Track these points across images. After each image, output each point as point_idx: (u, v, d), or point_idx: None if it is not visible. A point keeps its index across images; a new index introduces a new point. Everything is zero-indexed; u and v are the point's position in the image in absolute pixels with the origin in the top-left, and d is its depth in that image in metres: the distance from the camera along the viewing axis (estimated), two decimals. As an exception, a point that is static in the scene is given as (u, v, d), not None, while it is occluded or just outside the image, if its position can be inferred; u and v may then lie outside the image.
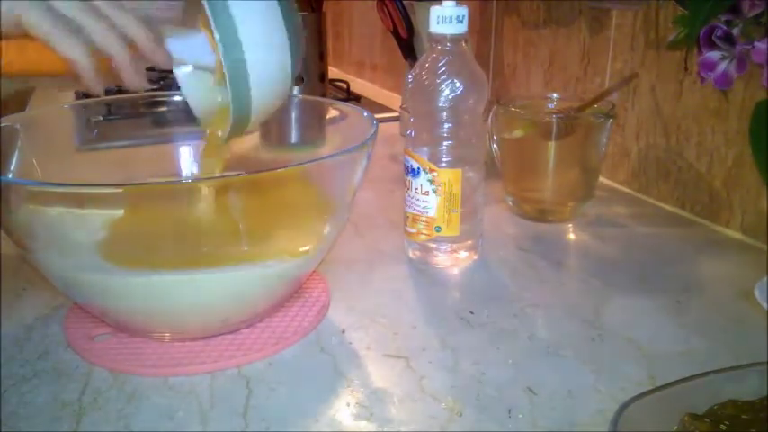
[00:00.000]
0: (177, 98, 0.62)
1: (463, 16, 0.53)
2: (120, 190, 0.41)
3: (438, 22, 0.53)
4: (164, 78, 1.36)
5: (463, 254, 0.58)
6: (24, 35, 0.41)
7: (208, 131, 0.49)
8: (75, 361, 0.44)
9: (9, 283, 0.54)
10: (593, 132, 0.66)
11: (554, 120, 0.65)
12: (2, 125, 0.49)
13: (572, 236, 0.65)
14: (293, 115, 0.65)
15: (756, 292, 0.51)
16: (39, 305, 0.51)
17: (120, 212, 0.44)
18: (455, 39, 0.53)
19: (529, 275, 0.56)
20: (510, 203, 0.71)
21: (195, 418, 0.38)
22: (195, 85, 0.50)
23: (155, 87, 1.29)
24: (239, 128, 0.46)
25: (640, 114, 0.73)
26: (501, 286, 0.55)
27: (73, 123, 0.58)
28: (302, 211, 0.47)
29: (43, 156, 0.53)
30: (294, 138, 0.64)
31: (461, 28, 0.53)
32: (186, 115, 0.64)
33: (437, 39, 0.53)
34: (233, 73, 0.42)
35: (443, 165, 0.55)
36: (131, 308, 0.44)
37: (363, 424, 0.38)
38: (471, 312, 0.50)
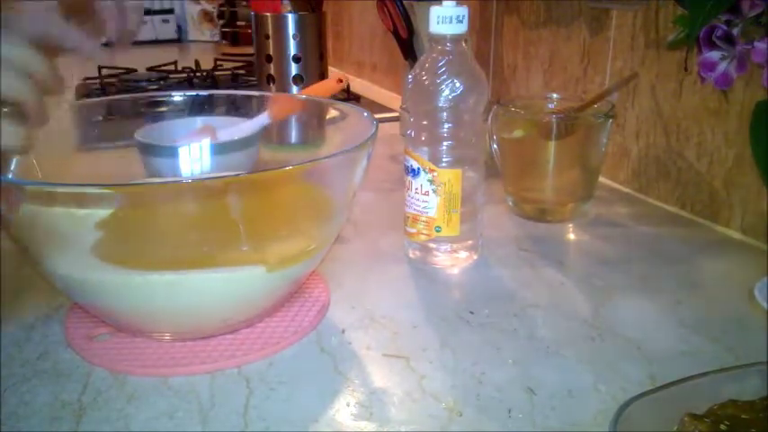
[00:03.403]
0: (177, 98, 0.63)
1: (463, 16, 0.53)
2: (119, 190, 0.41)
3: (438, 22, 0.53)
4: (164, 78, 1.36)
5: (463, 254, 0.58)
6: None
7: None
8: (75, 361, 0.44)
9: (9, 283, 0.54)
10: (593, 132, 0.66)
11: (554, 120, 0.65)
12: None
13: (572, 236, 0.65)
14: (293, 115, 0.65)
15: (756, 292, 0.51)
16: (39, 305, 0.51)
17: (119, 213, 0.44)
18: (455, 39, 0.53)
19: (529, 275, 0.56)
20: (510, 203, 0.71)
21: (195, 418, 0.38)
22: None
23: (155, 87, 1.30)
24: None
25: (640, 114, 0.73)
26: (501, 286, 0.55)
27: (73, 123, 0.58)
28: (302, 212, 0.47)
29: (43, 155, 0.52)
30: (294, 138, 0.64)
31: (461, 28, 0.53)
32: (185, 115, 0.64)
33: (437, 39, 0.53)
34: None
35: (443, 165, 0.55)
36: (131, 308, 0.44)
37: (363, 424, 0.38)
38: (471, 312, 0.50)
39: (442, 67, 0.53)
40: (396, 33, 0.95)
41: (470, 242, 0.58)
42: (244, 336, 0.46)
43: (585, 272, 0.57)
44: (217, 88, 1.29)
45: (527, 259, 0.59)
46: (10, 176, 0.49)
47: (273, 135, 0.64)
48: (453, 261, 0.58)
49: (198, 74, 1.39)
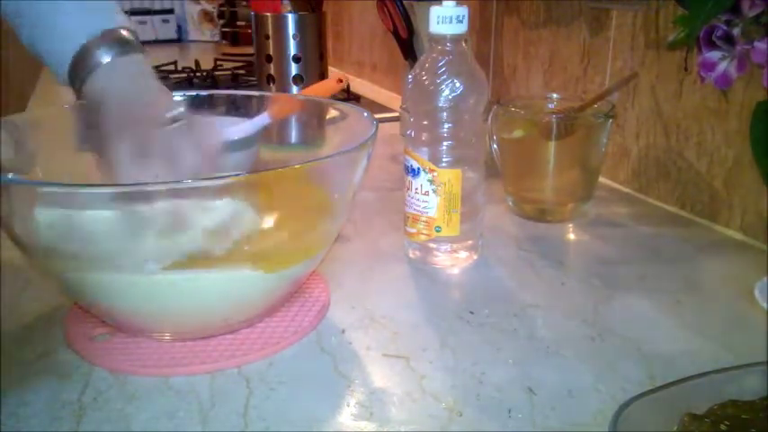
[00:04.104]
0: (177, 98, 0.62)
1: (463, 16, 0.53)
2: (120, 190, 0.41)
3: (438, 22, 0.53)
4: (164, 78, 1.36)
5: (463, 254, 0.58)
6: None
7: None
8: (75, 361, 0.44)
9: (9, 283, 0.54)
10: (593, 132, 0.66)
11: (554, 120, 0.65)
12: (2, 125, 0.49)
13: (572, 236, 0.65)
14: (293, 115, 0.65)
15: (756, 292, 0.51)
16: (39, 305, 0.51)
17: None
18: (455, 39, 0.53)
19: (529, 275, 0.56)
20: (510, 203, 0.71)
21: (195, 418, 0.38)
22: None
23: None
24: None
25: (640, 114, 0.73)
26: (501, 286, 0.55)
27: (73, 123, 0.58)
28: (302, 212, 0.47)
29: (43, 156, 0.53)
30: (294, 138, 0.64)
31: (461, 28, 0.53)
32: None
33: (437, 39, 0.53)
34: None
35: (443, 165, 0.55)
36: (131, 308, 0.44)
37: (363, 424, 0.38)
38: (471, 312, 0.50)
39: (442, 67, 0.53)
40: (396, 33, 0.95)
41: (470, 242, 0.58)
42: (244, 336, 0.46)
43: (585, 272, 0.57)
44: (217, 88, 1.29)
45: (527, 259, 0.59)
46: (10, 176, 0.49)
47: (273, 135, 0.64)
48: (453, 261, 0.58)
49: (198, 74, 1.39)
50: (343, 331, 0.48)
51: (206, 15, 2.03)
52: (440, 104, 0.53)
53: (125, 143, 0.47)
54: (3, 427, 0.38)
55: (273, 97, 0.71)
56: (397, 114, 1.04)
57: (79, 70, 0.51)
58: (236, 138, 0.61)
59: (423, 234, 0.57)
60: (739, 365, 0.38)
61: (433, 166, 0.54)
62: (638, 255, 0.60)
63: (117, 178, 0.47)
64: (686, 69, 0.66)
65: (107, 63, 0.50)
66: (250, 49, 1.18)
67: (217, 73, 1.40)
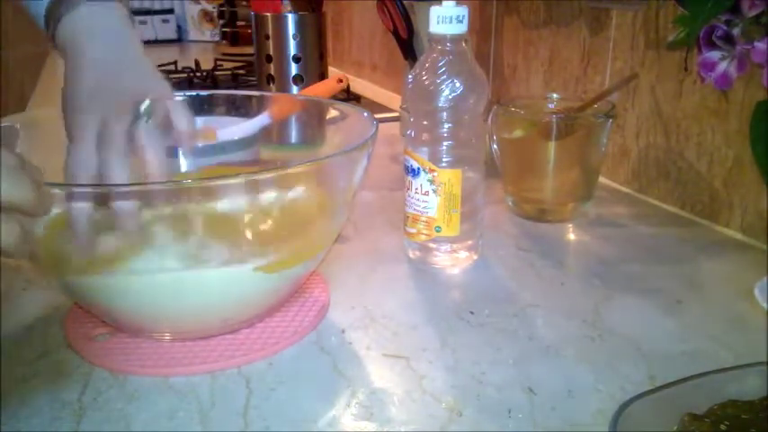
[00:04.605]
0: (177, 98, 0.62)
1: (463, 16, 0.53)
2: (120, 190, 0.41)
3: (438, 22, 0.53)
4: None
5: (463, 254, 0.58)
6: None
7: None
8: (75, 361, 0.44)
9: (9, 282, 0.54)
10: (594, 132, 0.66)
11: (554, 120, 0.65)
12: (2, 125, 0.49)
13: (572, 236, 0.65)
14: (293, 115, 0.65)
15: (756, 292, 0.51)
16: (39, 305, 0.51)
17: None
18: (455, 39, 0.53)
19: (529, 275, 0.56)
20: (510, 203, 0.71)
21: (195, 418, 0.38)
22: None
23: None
24: None
25: (640, 114, 0.73)
26: (501, 286, 0.55)
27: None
28: (302, 211, 0.47)
29: (43, 156, 0.52)
30: (294, 138, 0.64)
31: (461, 28, 0.53)
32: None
33: (437, 39, 0.53)
34: None
35: (443, 165, 0.55)
36: (131, 308, 0.44)
37: (363, 424, 0.38)
38: (471, 312, 0.50)
39: (442, 67, 0.53)
40: (396, 33, 0.95)
41: (470, 242, 0.58)
42: (244, 336, 0.46)
43: (585, 272, 0.57)
44: (217, 88, 1.29)
45: (527, 259, 0.59)
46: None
47: (273, 135, 0.64)
48: (453, 261, 0.58)
49: (198, 74, 1.39)
50: (343, 331, 0.48)
51: (206, 15, 2.03)
52: (440, 104, 0.53)
53: (92, 119, 0.43)
54: (3, 427, 0.38)
55: (273, 97, 0.71)
56: (397, 114, 1.04)
57: (53, 14, 0.47)
58: (236, 138, 0.61)
59: (423, 234, 0.57)
60: (739, 365, 0.38)
61: (433, 166, 0.54)
62: (638, 255, 0.60)
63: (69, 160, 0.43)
64: (686, 69, 0.66)
65: (82, 8, 0.46)
66: (250, 49, 1.18)
67: (217, 73, 1.40)
